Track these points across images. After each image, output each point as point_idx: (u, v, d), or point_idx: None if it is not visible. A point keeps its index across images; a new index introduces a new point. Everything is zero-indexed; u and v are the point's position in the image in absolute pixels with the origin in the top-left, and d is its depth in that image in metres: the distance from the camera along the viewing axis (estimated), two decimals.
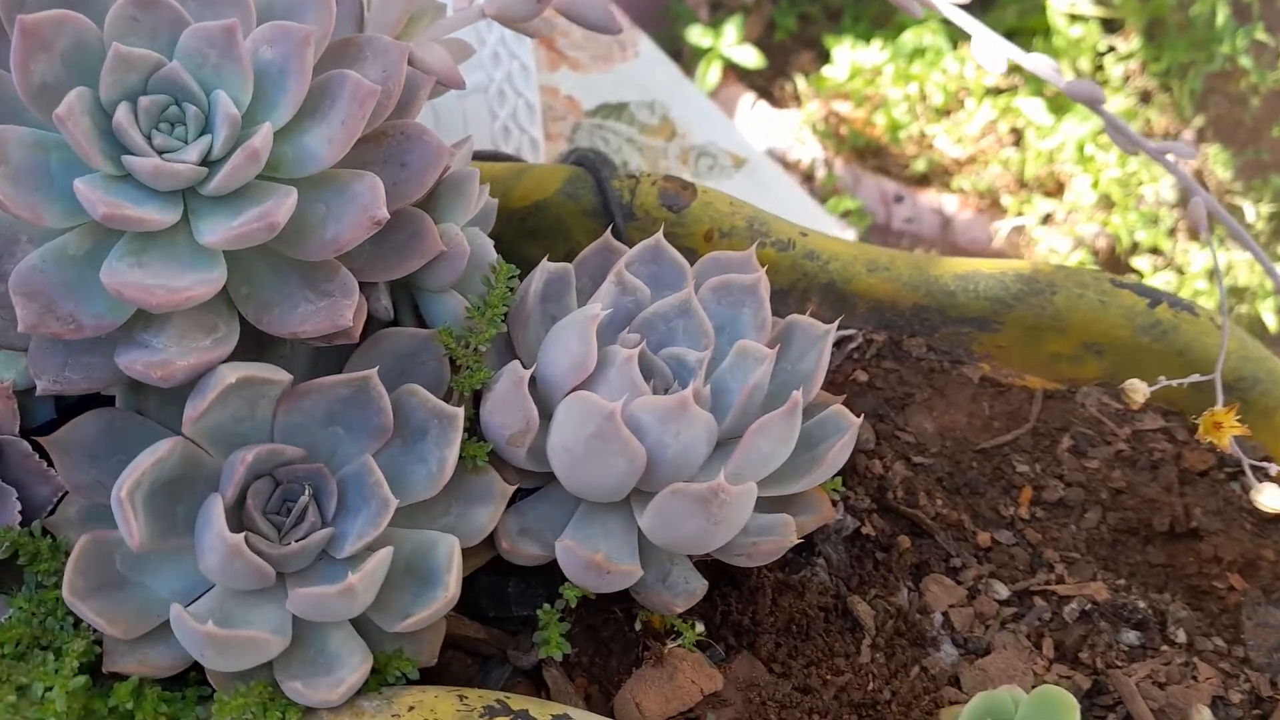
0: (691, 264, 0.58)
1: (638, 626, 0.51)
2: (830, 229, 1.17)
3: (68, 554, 0.46)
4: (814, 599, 0.57)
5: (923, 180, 2.26)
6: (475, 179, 0.50)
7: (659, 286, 0.55)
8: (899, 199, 2.26)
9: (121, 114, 0.42)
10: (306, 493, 0.46)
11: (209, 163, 0.43)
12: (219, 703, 0.42)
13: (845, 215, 2.16)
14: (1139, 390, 0.50)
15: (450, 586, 0.44)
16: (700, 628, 0.53)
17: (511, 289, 0.50)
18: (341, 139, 0.43)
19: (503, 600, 0.51)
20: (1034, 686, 0.55)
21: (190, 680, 0.46)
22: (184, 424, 0.43)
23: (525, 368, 0.52)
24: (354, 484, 0.46)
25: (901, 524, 0.62)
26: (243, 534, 0.42)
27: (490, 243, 0.51)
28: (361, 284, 0.48)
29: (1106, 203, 2.15)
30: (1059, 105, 2.09)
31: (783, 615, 0.56)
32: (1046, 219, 2.16)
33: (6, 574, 0.47)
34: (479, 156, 0.69)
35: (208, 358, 0.42)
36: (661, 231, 0.55)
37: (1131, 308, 0.64)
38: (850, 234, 2.17)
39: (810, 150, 2.34)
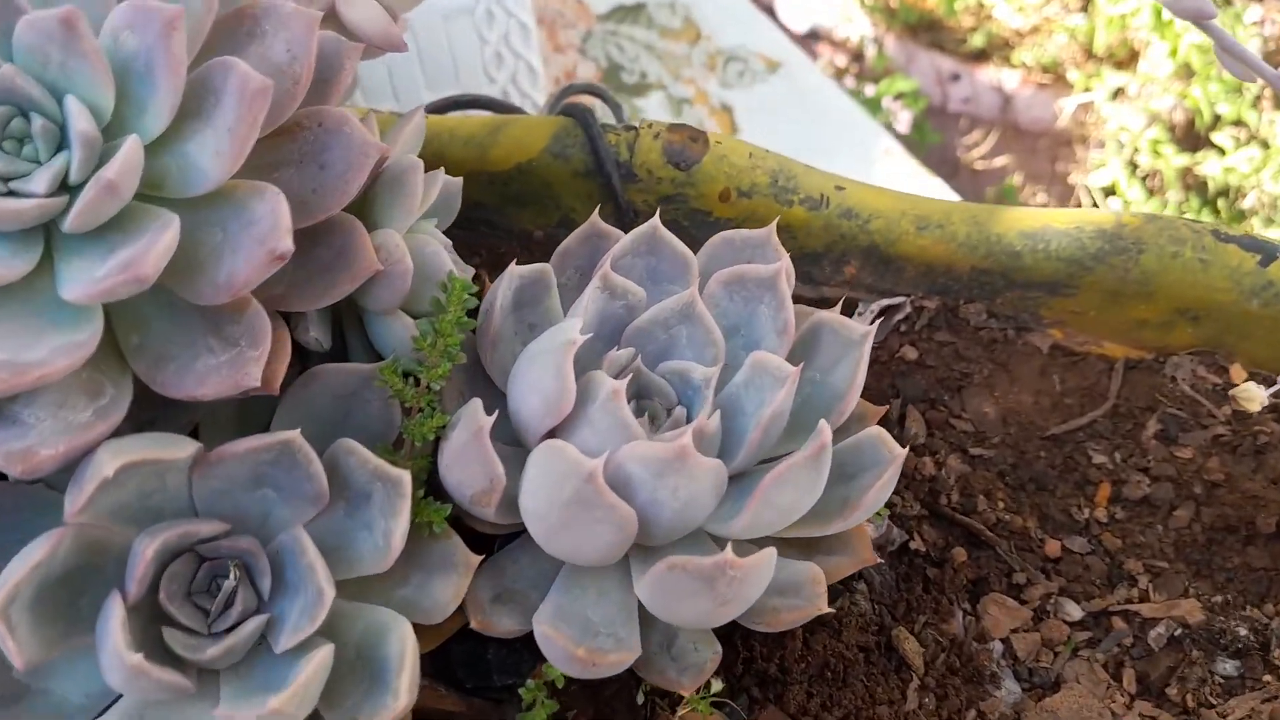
0: (703, 239, 0.48)
1: (640, 699, 0.44)
2: (880, 141, 1.05)
3: None
4: (853, 636, 0.49)
5: (980, 56, 2.08)
6: (418, 172, 0.40)
7: (658, 281, 0.46)
8: (955, 77, 2.09)
9: None
10: (232, 575, 0.38)
11: (69, 188, 0.34)
12: None
13: (899, 98, 2.00)
14: (1255, 398, 0.40)
15: (401, 695, 0.36)
16: (717, 684, 0.45)
17: (472, 310, 0.41)
18: (231, 151, 0.34)
19: (482, 669, 0.44)
20: None
21: None
22: (66, 515, 0.35)
23: (499, 392, 0.44)
24: (291, 558, 0.39)
25: (956, 533, 0.54)
26: (140, 655, 0.34)
27: (445, 247, 0.42)
28: (287, 314, 0.40)
29: (1185, 72, 1.95)
30: None
31: (816, 659, 0.48)
32: (1117, 94, 1.98)
33: None
34: (444, 106, 0.59)
35: (84, 439, 0.34)
36: (658, 216, 0.45)
37: (1238, 267, 0.53)
38: (905, 117, 2.01)
39: (858, 27, 2.16)
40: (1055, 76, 2.03)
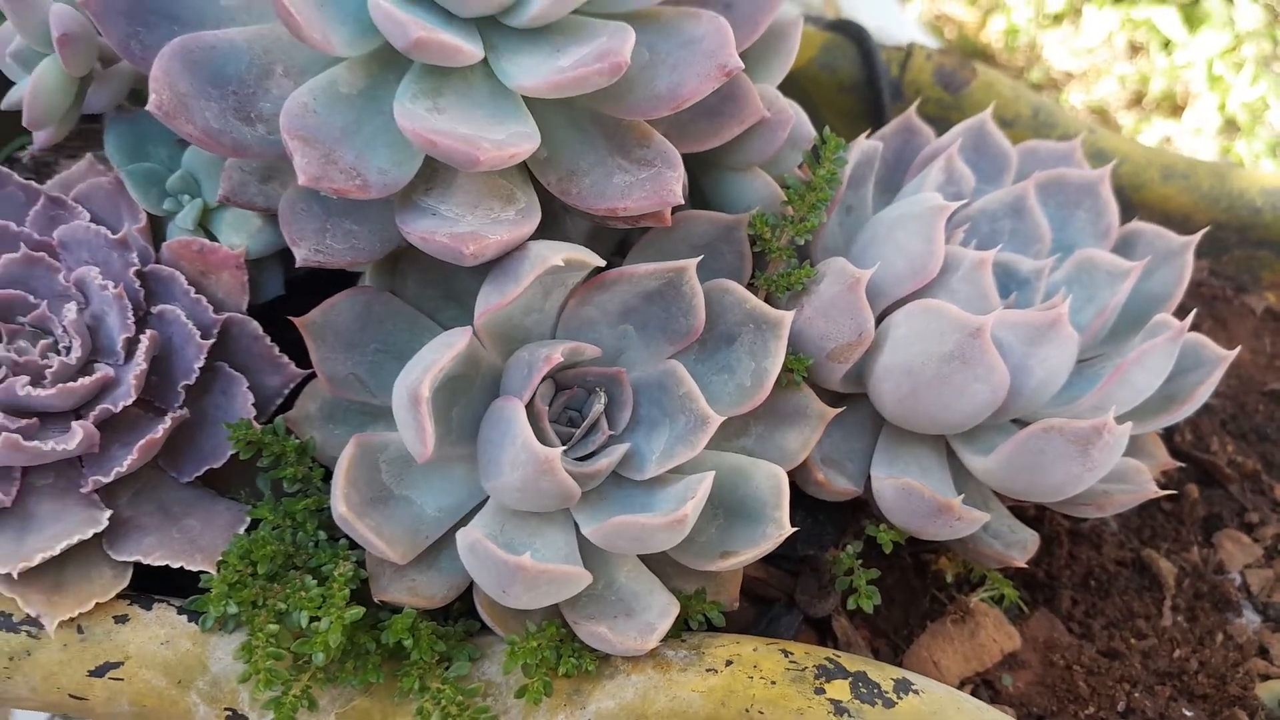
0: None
1: (949, 578, 0.44)
2: None
3: (314, 459, 0.39)
4: (1111, 552, 0.50)
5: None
6: (799, 28, 0.41)
7: (978, 179, 0.47)
8: None
9: None
10: (600, 401, 0.38)
11: None
12: (511, 649, 0.36)
13: None
14: None
15: (783, 523, 0.37)
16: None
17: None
18: None
19: (787, 538, 0.44)
20: None
21: (454, 611, 0.39)
22: (480, 313, 0.35)
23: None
24: (650, 393, 0.39)
25: (1188, 471, 0.55)
26: (559, 449, 0.34)
27: (803, 111, 0.42)
28: None
29: (1230, 128, 2.01)
30: (1194, 16, 1.94)
31: (1080, 568, 0.49)
32: (1163, 142, 2.03)
33: (232, 474, 0.40)
34: None
35: (517, 234, 0.34)
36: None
37: None
38: None
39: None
40: (1101, 119, 2.08)
